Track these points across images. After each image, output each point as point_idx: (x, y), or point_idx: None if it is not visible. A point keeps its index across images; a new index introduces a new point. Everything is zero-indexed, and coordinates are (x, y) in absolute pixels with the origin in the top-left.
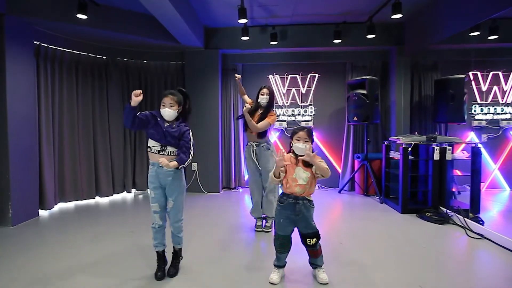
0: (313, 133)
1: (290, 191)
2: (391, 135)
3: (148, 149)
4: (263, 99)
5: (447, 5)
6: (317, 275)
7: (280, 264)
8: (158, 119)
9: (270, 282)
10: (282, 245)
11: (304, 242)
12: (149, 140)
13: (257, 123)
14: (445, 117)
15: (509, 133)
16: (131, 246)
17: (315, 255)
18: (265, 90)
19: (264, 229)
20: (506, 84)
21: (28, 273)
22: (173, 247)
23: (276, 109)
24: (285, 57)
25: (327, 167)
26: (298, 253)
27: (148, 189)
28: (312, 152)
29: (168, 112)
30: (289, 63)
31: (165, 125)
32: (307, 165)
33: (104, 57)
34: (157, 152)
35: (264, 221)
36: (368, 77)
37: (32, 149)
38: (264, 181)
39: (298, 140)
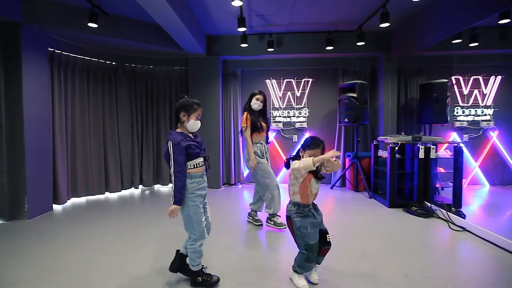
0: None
1: (307, 201)
2: (380, 135)
3: (194, 168)
4: (255, 104)
5: (431, 15)
6: (310, 273)
7: (307, 271)
8: (188, 139)
9: None
10: (316, 253)
11: (323, 240)
12: (191, 161)
13: (267, 129)
14: (429, 118)
15: (489, 133)
16: (137, 238)
17: (324, 254)
18: (260, 97)
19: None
20: (486, 87)
21: (43, 264)
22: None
23: (273, 111)
24: (281, 62)
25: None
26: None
27: (198, 204)
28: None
29: (199, 124)
30: (285, 68)
31: (196, 139)
32: (317, 176)
33: (113, 63)
34: (202, 164)
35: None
36: (358, 81)
37: (47, 148)
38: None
39: (311, 155)
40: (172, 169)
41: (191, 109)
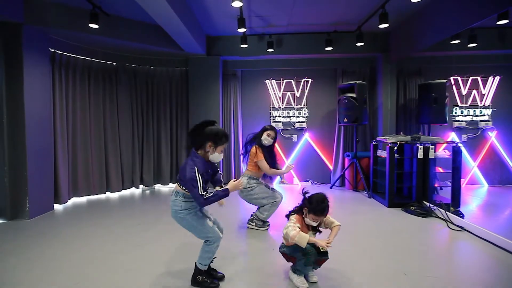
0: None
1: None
2: (379, 135)
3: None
4: (266, 140)
5: (429, 15)
6: (307, 273)
7: (306, 272)
8: (209, 170)
9: None
10: (314, 256)
11: (318, 250)
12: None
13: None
14: (428, 118)
15: (487, 133)
16: (138, 237)
17: (320, 264)
18: (272, 133)
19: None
20: (484, 88)
21: (44, 263)
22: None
23: (272, 111)
24: (281, 63)
25: (338, 227)
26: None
27: (193, 212)
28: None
29: (221, 157)
30: (284, 68)
31: (214, 167)
32: (315, 229)
33: (114, 63)
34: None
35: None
36: (357, 81)
37: (48, 148)
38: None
39: (313, 220)
40: (202, 194)
41: (220, 142)
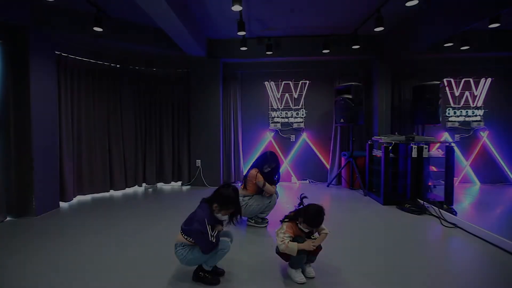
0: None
1: None
2: (374, 135)
3: (192, 242)
4: (266, 169)
5: (423, 19)
6: (305, 269)
7: (302, 262)
8: (215, 224)
9: (300, 283)
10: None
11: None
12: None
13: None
14: (422, 119)
15: (479, 133)
16: (140, 234)
17: (315, 253)
18: (272, 165)
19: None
20: (476, 89)
21: (49, 260)
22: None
23: (271, 112)
24: (279, 65)
25: (325, 235)
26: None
27: (183, 251)
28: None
29: (225, 218)
30: (283, 70)
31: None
32: (308, 236)
33: (117, 66)
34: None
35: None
36: (353, 83)
37: (53, 147)
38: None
39: (307, 228)
40: (213, 241)
41: (225, 207)
